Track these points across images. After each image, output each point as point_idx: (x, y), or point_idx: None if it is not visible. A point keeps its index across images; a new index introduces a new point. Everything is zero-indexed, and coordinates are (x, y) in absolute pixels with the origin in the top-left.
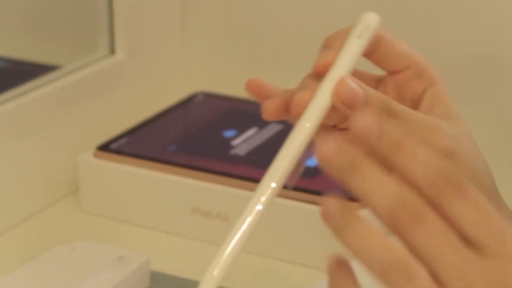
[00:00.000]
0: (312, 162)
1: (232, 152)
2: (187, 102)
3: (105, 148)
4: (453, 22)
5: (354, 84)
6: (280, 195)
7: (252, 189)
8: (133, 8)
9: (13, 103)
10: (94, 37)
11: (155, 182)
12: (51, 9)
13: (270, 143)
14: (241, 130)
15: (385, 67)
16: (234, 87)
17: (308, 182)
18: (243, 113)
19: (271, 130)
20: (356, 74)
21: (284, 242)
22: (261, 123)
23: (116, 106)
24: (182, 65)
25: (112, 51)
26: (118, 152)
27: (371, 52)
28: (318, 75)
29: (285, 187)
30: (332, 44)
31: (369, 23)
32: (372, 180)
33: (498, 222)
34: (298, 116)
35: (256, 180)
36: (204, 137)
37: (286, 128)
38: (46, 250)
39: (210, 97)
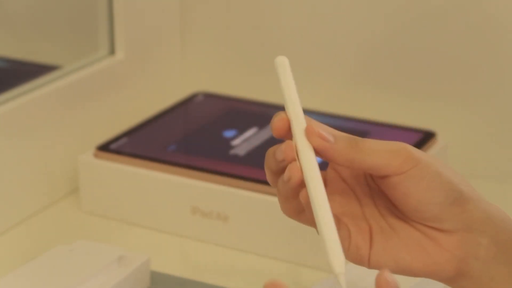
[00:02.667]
0: None
1: (232, 152)
2: (187, 102)
3: (105, 148)
4: (454, 22)
5: (320, 125)
6: None
7: (252, 189)
8: (133, 8)
9: (13, 103)
10: (94, 37)
11: (155, 182)
12: (51, 9)
13: (270, 143)
14: (241, 130)
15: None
16: (234, 87)
17: None
18: (243, 113)
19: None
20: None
21: (284, 242)
22: (261, 123)
23: (116, 106)
24: (182, 65)
25: (112, 51)
26: (118, 152)
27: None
28: (279, 136)
29: None
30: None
31: (281, 61)
32: None
33: None
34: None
35: (256, 180)
36: (204, 137)
37: None
38: (46, 250)
39: (210, 97)
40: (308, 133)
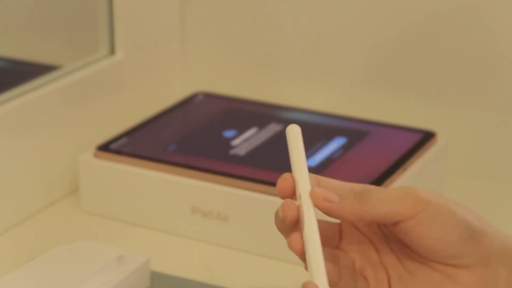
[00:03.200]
0: (312, 162)
1: (232, 152)
2: (187, 102)
3: (105, 148)
4: (453, 23)
5: (323, 190)
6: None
7: (252, 189)
8: (133, 8)
9: (13, 103)
10: (94, 37)
11: (155, 182)
12: (51, 9)
13: (270, 143)
14: (241, 130)
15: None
16: (234, 87)
17: None
18: (243, 113)
19: (271, 130)
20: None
21: (284, 242)
22: (261, 123)
23: (116, 106)
24: (182, 65)
25: (112, 51)
26: (118, 152)
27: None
28: (282, 192)
29: None
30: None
31: (293, 130)
32: None
33: None
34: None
35: (256, 180)
36: (204, 137)
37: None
38: (46, 250)
39: (210, 97)
40: (313, 197)
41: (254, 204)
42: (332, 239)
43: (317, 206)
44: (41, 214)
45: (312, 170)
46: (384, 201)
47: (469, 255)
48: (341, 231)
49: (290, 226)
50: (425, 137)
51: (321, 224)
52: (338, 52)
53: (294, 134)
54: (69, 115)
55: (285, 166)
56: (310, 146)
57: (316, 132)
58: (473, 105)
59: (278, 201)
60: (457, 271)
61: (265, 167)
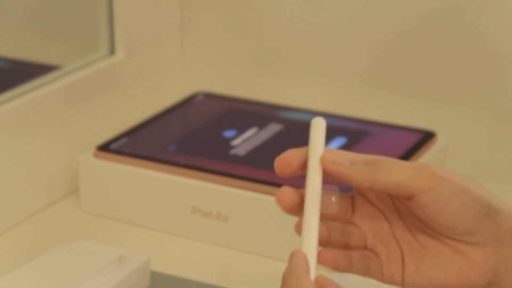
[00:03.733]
0: None
1: (232, 152)
2: (187, 102)
3: (105, 148)
4: (454, 23)
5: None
6: None
7: (252, 189)
8: (133, 8)
9: (13, 103)
10: (94, 37)
11: (155, 182)
12: (51, 9)
13: (270, 143)
14: (241, 130)
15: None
16: (234, 87)
17: None
18: (243, 113)
19: (271, 130)
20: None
21: (284, 242)
22: (261, 123)
23: (116, 106)
24: (182, 65)
25: (112, 51)
26: (118, 152)
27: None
28: (279, 171)
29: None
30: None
31: (318, 122)
32: None
33: None
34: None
35: (256, 180)
36: (204, 137)
37: (286, 129)
38: (46, 250)
39: (210, 97)
40: (323, 160)
41: (254, 204)
42: (345, 211)
43: (326, 169)
44: (41, 214)
45: None
46: (396, 170)
47: (483, 233)
48: (354, 204)
49: (289, 212)
50: (425, 137)
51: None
52: (338, 52)
53: (318, 126)
54: (69, 115)
55: None
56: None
57: None
58: (473, 105)
59: None
60: (469, 248)
61: (265, 167)
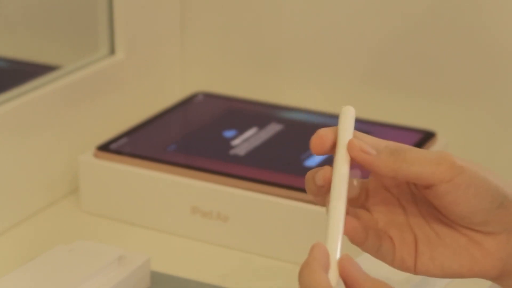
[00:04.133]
0: (312, 162)
1: (232, 152)
2: (187, 102)
3: (105, 148)
4: (454, 23)
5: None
6: (280, 195)
7: (252, 189)
8: (133, 8)
9: (13, 103)
10: (94, 37)
11: (155, 182)
12: (51, 9)
13: (270, 143)
14: (241, 130)
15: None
16: (234, 87)
17: None
18: (243, 113)
19: (271, 130)
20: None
21: (284, 242)
22: (261, 123)
23: (116, 106)
24: (182, 65)
25: (112, 51)
26: (118, 152)
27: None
28: (315, 149)
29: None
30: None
31: (348, 111)
32: None
33: None
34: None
35: (256, 180)
36: (204, 137)
37: (286, 128)
38: (46, 250)
39: (210, 97)
40: (350, 147)
41: (254, 204)
42: (359, 196)
43: (354, 157)
44: (41, 214)
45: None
46: (418, 161)
47: (497, 223)
48: (368, 189)
49: (326, 192)
50: (425, 137)
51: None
52: (338, 52)
53: (348, 115)
54: (69, 115)
55: (285, 166)
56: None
57: None
58: (473, 105)
59: (278, 201)
60: (483, 237)
61: (265, 167)
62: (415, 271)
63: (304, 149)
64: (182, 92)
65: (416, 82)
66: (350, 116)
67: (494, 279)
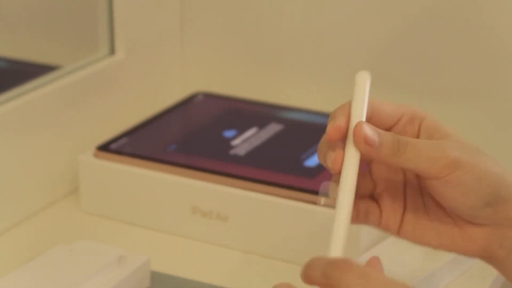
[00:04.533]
0: (312, 162)
1: (232, 152)
2: (187, 102)
3: (105, 148)
4: (454, 23)
5: (368, 128)
6: (280, 195)
7: (252, 189)
8: (133, 8)
9: (13, 103)
10: (94, 37)
11: (155, 182)
12: (51, 9)
13: (270, 143)
14: (241, 130)
15: (381, 126)
16: (234, 87)
17: (308, 182)
18: (243, 113)
19: (271, 130)
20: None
21: (284, 242)
22: (261, 123)
23: (116, 106)
24: (182, 65)
25: (112, 51)
26: (118, 152)
27: (368, 120)
28: (332, 141)
29: None
30: (337, 114)
31: (362, 78)
32: None
33: None
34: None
35: (256, 180)
36: (204, 137)
37: (286, 128)
38: (46, 250)
39: (210, 97)
40: (354, 136)
41: (254, 204)
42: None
43: (356, 146)
44: (41, 214)
45: (312, 170)
46: (416, 158)
47: (484, 218)
48: None
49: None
50: None
51: None
52: (337, 52)
53: (361, 83)
54: (69, 115)
55: (285, 166)
56: (310, 146)
57: (316, 132)
58: (473, 105)
59: (278, 201)
60: (469, 225)
61: (265, 167)
62: (397, 234)
63: (304, 149)
64: (182, 92)
65: (416, 82)
66: (364, 84)
67: (474, 258)
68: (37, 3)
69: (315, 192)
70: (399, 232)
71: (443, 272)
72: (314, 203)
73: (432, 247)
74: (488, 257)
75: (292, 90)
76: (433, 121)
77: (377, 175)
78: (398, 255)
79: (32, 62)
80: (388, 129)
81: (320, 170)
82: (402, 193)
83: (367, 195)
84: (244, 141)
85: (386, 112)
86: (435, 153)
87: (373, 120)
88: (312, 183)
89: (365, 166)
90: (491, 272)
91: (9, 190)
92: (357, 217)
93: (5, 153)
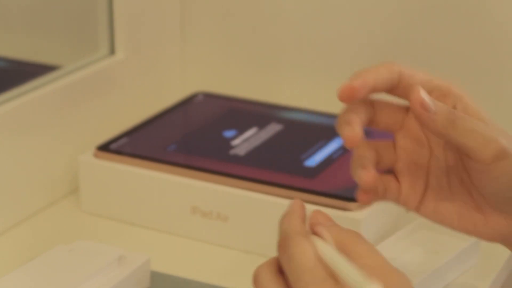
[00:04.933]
0: (312, 162)
1: (232, 152)
2: (187, 102)
3: (105, 148)
4: (455, 22)
5: (426, 94)
6: (280, 195)
7: (252, 189)
8: (133, 8)
9: (13, 103)
10: (94, 37)
11: (155, 182)
12: (51, 9)
13: (270, 143)
14: (241, 130)
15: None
16: (234, 87)
17: (308, 182)
18: (243, 113)
19: (271, 130)
20: (385, 105)
21: None
22: (261, 123)
23: (116, 106)
24: (182, 65)
25: (112, 51)
26: (118, 152)
27: (395, 87)
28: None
29: None
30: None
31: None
32: None
33: None
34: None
35: (256, 180)
36: (204, 137)
37: (286, 128)
38: (46, 250)
39: (210, 97)
40: (413, 99)
41: (254, 204)
42: (394, 124)
43: (412, 108)
44: (41, 214)
45: (312, 170)
46: (470, 135)
47: (510, 209)
48: (405, 121)
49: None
50: None
51: (390, 107)
52: (337, 52)
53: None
54: (69, 115)
55: (285, 166)
56: (310, 146)
57: (316, 132)
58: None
59: (279, 201)
60: (492, 210)
61: (265, 167)
62: (416, 212)
63: (304, 149)
64: (182, 92)
65: None
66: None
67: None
68: (37, 3)
69: (315, 192)
70: (418, 209)
71: (443, 272)
72: (315, 203)
73: (451, 228)
74: (509, 243)
75: (292, 90)
76: (471, 102)
77: (401, 147)
78: (398, 255)
79: (32, 62)
80: None
81: (320, 170)
82: (426, 170)
83: (387, 169)
84: (244, 141)
85: (417, 83)
86: (490, 134)
87: (400, 90)
88: (312, 183)
89: (390, 136)
90: (491, 272)
91: (9, 190)
92: (376, 195)
93: (5, 153)
